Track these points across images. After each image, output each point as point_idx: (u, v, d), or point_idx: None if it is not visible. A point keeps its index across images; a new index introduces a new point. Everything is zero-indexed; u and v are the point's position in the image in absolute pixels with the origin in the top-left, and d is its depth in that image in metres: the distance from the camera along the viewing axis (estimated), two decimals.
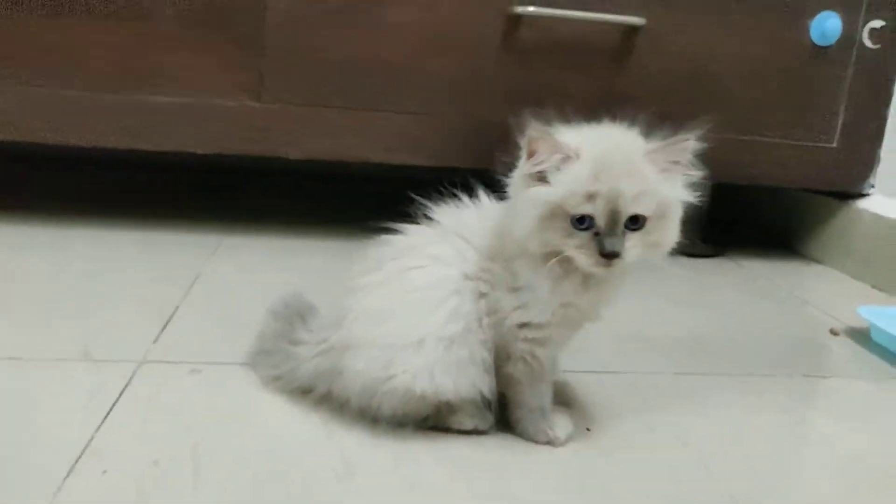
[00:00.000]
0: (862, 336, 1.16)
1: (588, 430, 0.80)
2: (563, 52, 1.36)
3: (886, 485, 0.75)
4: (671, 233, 0.71)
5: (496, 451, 0.74)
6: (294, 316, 0.84)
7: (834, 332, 1.17)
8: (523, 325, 0.72)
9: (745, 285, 1.41)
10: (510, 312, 0.72)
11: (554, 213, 0.67)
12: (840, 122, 1.49)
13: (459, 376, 0.72)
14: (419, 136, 1.37)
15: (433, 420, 0.75)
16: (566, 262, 0.69)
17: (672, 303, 1.26)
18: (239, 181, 1.85)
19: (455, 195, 0.78)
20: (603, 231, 0.67)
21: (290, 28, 1.27)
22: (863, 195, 1.54)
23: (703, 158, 1.54)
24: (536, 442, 0.76)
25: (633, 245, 0.68)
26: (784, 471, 0.76)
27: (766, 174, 1.50)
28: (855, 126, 1.50)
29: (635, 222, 0.68)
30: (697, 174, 0.73)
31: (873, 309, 1.16)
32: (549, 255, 0.69)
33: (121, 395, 0.77)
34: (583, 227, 0.67)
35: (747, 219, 1.90)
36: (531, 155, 0.68)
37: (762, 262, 1.57)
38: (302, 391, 0.79)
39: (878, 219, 1.46)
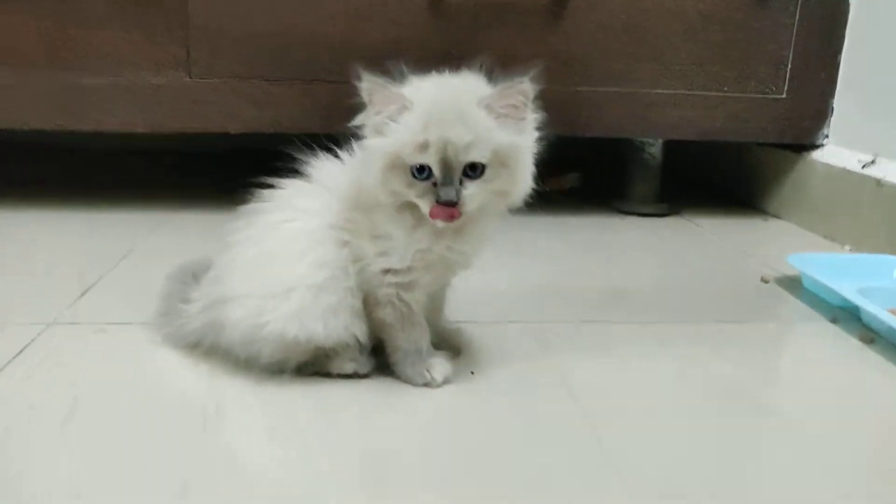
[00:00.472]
0: (793, 283, 1.15)
1: (472, 373, 0.81)
2: (496, 13, 1.36)
3: (759, 420, 0.75)
4: (518, 180, 0.72)
5: (372, 394, 0.76)
6: (188, 277, 0.86)
7: (764, 280, 1.16)
8: (387, 271, 0.74)
9: (691, 241, 1.40)
10: (373, 259, 0.74)
11: (394, 164, 0.69)
12: (788, 72, 1.47)
13: (329, 321, 0.74)
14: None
15: (314, 366, 0.78)
16: (418, 211, 0.71)
17: (605, 259, 1.26)
18: (190, 160, 1.89)
19: (331, 150, 0.79)
20: (439, 180, 0.69)
21: (213, 0, 1.29)
22: (816, 146, 1.52)
23: (651, 116, 1.52)
24: (414, 384, 0.77)
25: (472, 193, 0.69)
26: (662, 411, 0.76)
27: (719, 129, 1.49)
28: (804, 76, 1.47)
29: (474, 170, 0.69)
30: (537, 117, 0.73)
31: (803, 256, 1.15)
32: (399, 205, 0.71)
33: (20, 352, 0.81)
34: (422, 176, 0.69)
35: (708, 177, 1.88)
36: (368, 106, 0.70)
37: (718, 219, 1.56)
38: (193, 345, 0.81)
39: (829, 169, 1.44)
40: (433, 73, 0.73)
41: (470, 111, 0.68)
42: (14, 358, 0.80)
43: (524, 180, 0.72)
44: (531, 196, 0.74)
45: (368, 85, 0.69)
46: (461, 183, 0.69)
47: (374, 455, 0.66)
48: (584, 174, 1.79)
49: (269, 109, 1.36)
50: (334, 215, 0.75)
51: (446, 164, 0.68)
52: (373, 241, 0.74)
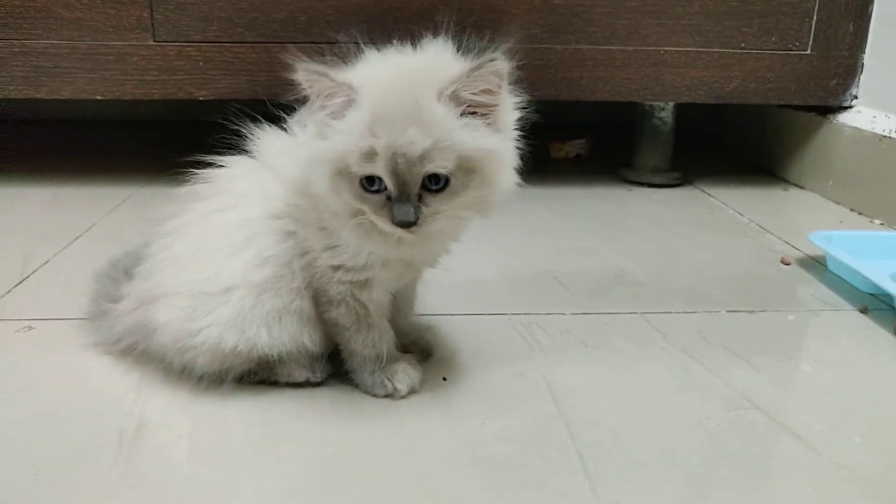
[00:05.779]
0: (817, 266, 1.03)
1: (444, 379, 0.70)
2: None
3: (773, 443, 0.64)
4: (495, 186, 0.58)
5: (323, 407, 0.66)
6: (119, 274, 0.76)
7: (784, 262, 1.04)
8: (337, 268, 0.63)
9: (703, 215, 1.28)
10: (321, 252, 0.63)
11: (341, 172, 0.56)
12: (813, 25, 1.32)
13: (274, 328, 0.64)
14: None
15: (259, 374, 0.67)
16: (371, 222, 0.59)
17: (608, 236, 1.14)
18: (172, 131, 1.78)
19: (278, 120, 0.68)
20: (393, 196, 0.56)
21: None
22: (844, 108, 1.37)
23: (660, 77, 1.37)
24: (374, 395, 0.67)
25: (434, 211, 0.56)
26: (660, 435, 0.64)
27: (735, 90, 1.35)
28: (831, 29, 1.32)
29: (436, 182, 0.55)
30: (518, 99, 0.60)
31: (828, 234, 1.03)
32: (353, 214, 0.59)
33: None
34: (374, 189, 0.56)
35: (723, 143, 1.74)
36: (310, 99, 0.56)
37: (734, 189, 1.42)
38: (126, 350, 0.71)
39: (859, 134, 1.30)
40: (399, 43, 0.61)
41: (428, 107, 0.54)
42: None
43: (504, 182, 0.58)
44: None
45: (307, 74, 0.55)
46: (421, 198, 0.55)
47: (316, 483, 0.56)
48: (591, 141, 1.66)
49: (243, 75, 1.24)
50: (277, 202, 0.64)
51: (399, 178, 0.54)
52: (320, 231, 0.62)
